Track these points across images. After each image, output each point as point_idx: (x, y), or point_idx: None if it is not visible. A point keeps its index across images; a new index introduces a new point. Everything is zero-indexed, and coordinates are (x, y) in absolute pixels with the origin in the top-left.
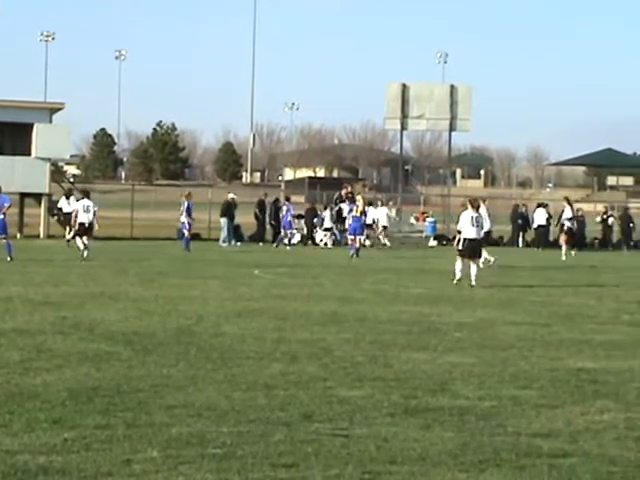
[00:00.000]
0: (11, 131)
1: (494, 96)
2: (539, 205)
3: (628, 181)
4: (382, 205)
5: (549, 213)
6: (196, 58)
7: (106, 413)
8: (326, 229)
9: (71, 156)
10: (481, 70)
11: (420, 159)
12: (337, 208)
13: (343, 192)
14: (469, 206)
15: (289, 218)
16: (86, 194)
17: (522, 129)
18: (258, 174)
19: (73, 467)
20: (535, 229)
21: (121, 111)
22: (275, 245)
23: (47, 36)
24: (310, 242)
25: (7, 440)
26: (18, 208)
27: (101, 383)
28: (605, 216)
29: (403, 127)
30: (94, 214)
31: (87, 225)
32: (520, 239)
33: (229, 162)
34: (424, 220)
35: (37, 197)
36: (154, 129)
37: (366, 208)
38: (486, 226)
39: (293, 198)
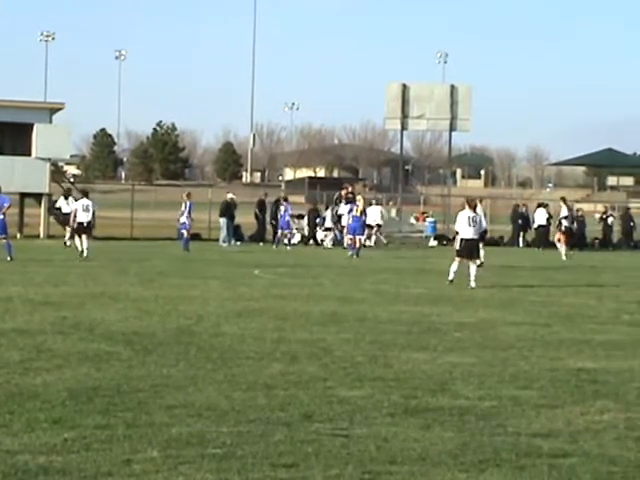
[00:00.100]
0: (11, 131)
1: (494, 96)
2: (539, 205)
3: (628, 181)
4: (376, 204)
5: (549, 213)
6: (196, 58)
7: (106, 413)
8: (326, 229)
9: (71, 156)
10: (481, 70)
11: (420, 159)
12: (336, 210)
13: (343, 192)
14: (466, 206)
15: (287, 218)
16: (85, 194)
17: (522, 129)
18: (258, 174)
19: (73, 467)
20: (535, 229)
21: (121, 111)
22: (275, 245)
23: (47, 36)
24: (312, 242)
25: (7, 440)
26: (18, 208)
27: (101, 383)
28: (604, 216)
29: (403, 127)
30: (93, 214)
31: (86, 225)
32: (520, 239)
33: (229, 162)
34: (424, 220)
35: (37, 197)
36: (154, 129)
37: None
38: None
39: (293, 198)
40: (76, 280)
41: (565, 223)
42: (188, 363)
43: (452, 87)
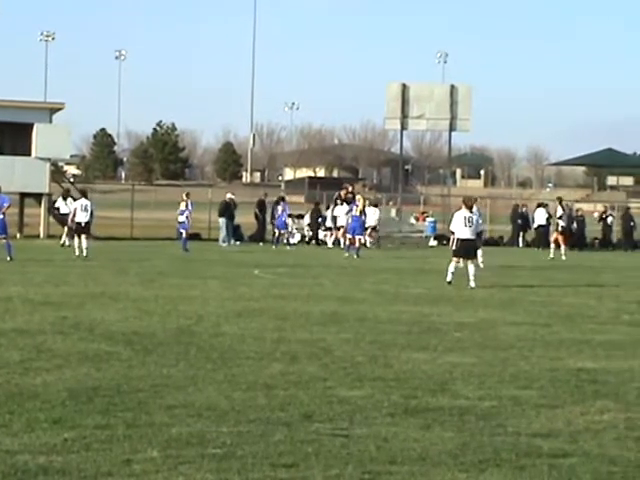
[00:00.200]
0: (11, 131)
1: (494, 96)
2: (539, 205)
3: (628, 181)
4: (370, 205)
5: (549, 213)
6: (196, 58)
7: (106, 413)
8: (327, 229)
9: (71, 156)
10: (481, 70)
11: (420, 159)
12: (333, 210)
13: (342, 193)
14: (463, 206)
15: (284, 218)
16: (84, 194)
17: (522, 129)
18: (258, 174)
19: (73, 467)
20: (535, 229)
21: (121, 111)
22: (274, 245)
23: (47, 36)
24: (314, 242)
25: (7, 440)
26: (18, 208)
27: (101, 383)
28: (604, 215)
29: (403, 127)
30: (92, 214)
31: (84, 224)
32: (520, 239)
33: (229, 162)
34: (424, 220)
35: (37, 197)
36: (154, 129)
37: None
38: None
39: (293, 198)
40: (76, 280)
41: (561, 223)
42: (188, 363)
43: (452, 87)
